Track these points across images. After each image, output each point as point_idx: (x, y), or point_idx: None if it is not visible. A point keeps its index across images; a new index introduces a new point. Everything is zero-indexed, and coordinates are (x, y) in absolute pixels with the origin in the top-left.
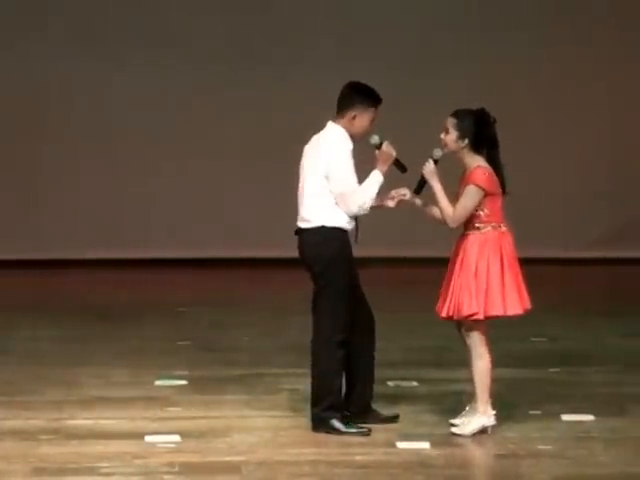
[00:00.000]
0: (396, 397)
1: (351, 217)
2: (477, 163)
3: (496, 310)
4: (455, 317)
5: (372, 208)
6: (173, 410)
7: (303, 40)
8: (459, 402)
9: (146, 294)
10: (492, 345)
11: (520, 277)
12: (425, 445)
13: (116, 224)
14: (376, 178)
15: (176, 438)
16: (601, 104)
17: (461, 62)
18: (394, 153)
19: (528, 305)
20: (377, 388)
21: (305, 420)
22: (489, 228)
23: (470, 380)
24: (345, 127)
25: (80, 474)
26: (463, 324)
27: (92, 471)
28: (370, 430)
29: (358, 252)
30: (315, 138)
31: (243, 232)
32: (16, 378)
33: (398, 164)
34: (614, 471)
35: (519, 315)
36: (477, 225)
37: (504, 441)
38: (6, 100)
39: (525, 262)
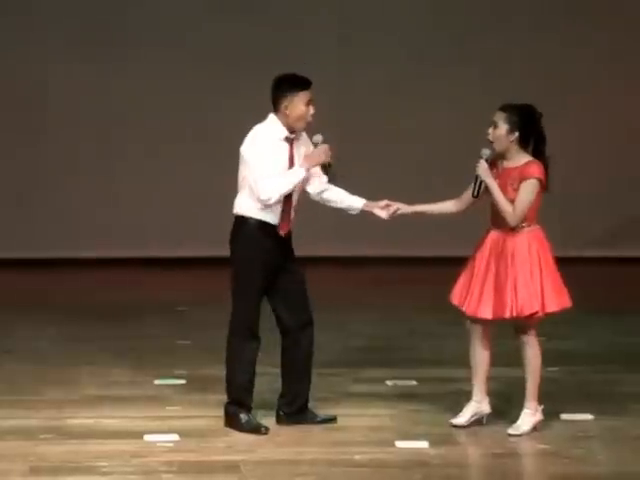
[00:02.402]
0: (394, 396)
1: (269, 208)
2: (528, 158)
3: (553, 306)
4: (517, 316)
5: (362, 212)
6: (172, 409)
7: (303, 41)
8: (458, 401)
9: (146, 293)
10: (495, 344)
11: (559, 273)
12: (424, 444)
13: (116, 223)
14: (294, 172)
15: (175, 437)
16: (601, 104)
17: (461, 62)
18: (324, 159)
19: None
20: (375, 387)
21: None
22: (533, 226)
23: (468, 379)
24: (283, 120)
25: (79, 473)
26: (518, 324)
27: (91, 470)
28: (267, 431)
29: (355, 251)
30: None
31: None
32: (15, 377)
33: (325, 170)
34: (612, 470)
35: (567, 308)
36: (522, 224)
37: (502, 440)
38: (5, 100)
39: None
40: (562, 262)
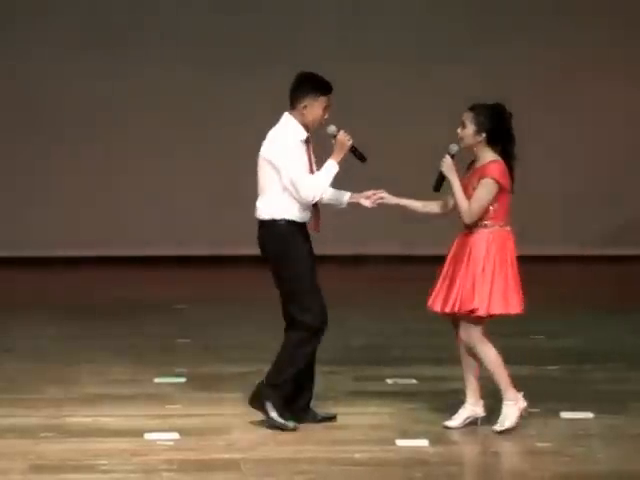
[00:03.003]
0: (395, 394)
1: (304, 207)
2: (492, 157)
3: (499, 309)
4: (457, 311)
5: (348, 204)
6: (172, 407)
7: (303, 39)
8: (458, 399)
9: (145, 292)
10: (492, 342)
11: (519, 278)
12: (424, 442)
13: (115, 222)
14: (330, 167)
15: (175, 435)
16: (602, 104)
17: (461, 62)
18: (349, 142)
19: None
20: (376, 385)
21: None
22: (496, 227)
23: (462, 378)
24: (298, 118)
25: (79, 471)
26: (462, 320)
27: (91, 468)
28: (295, 428)
29: (354, 250)
30: (271, 130)
31: (242, 229)
32: (16, 376)
33: (356, 153)
34: (613, 469)
35: (518, 314)
36: (484, 222)
37: (502, 438)
38: (2, 99)
39: (526, 260)
40: (564, 261)
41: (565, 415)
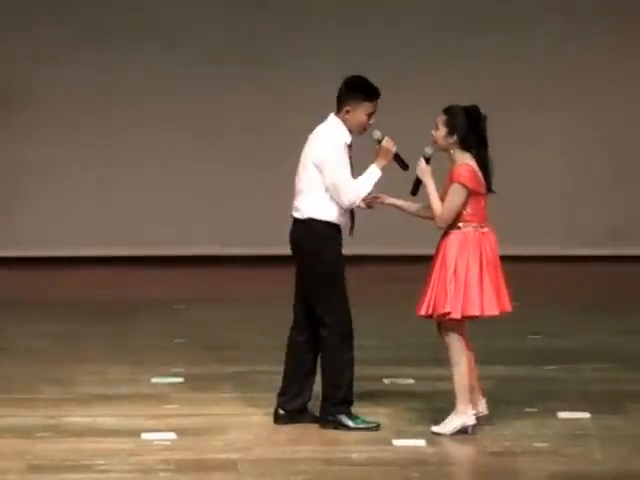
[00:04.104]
0: (392, 394)
1: (344, 210)
2: (462, 161)
3: (473, 310)
4: (432, 314)
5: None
6: (170, 407)
7: (303, 39)
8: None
9: (143, 291)
10: (488, 342)
11: (501, 278)
12: (421, 442)
13: (112, 221)
14: (372, 172)
15: (172, 436)
16: (600, 102)
17: (460, 61)
18: (394, 149)
19: (507, 307)
20: (373, 385)
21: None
22: (470, 228)
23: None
24: (343, 121)
25: (76, 471)
26: (442, 323)
27: (88, 468)
28: (379, 425)
29: (354, 249)
30: (316, 129)
31: (240, 229)
32: (12, 375)
33: (399, 160)
34: (610, 469)
35: (495, 316)
36: (458, 224)
37: (500, 438)
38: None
39: (522, 259)
40: (560, 261)
41: (562, 415)
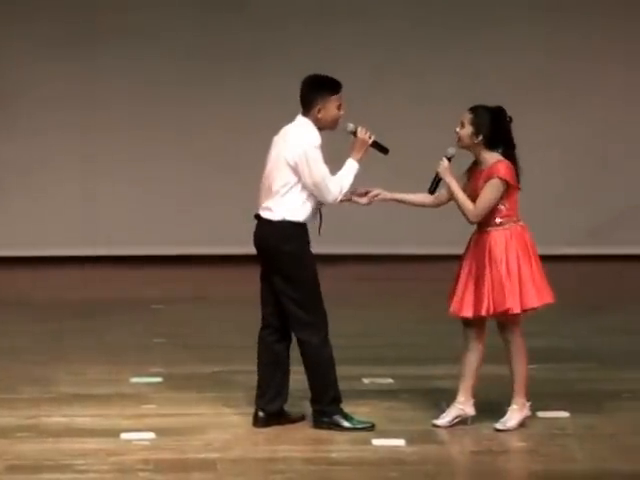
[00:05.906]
0: (371, 394)
1: (315, 211)
2: (497, 158)
3: (532, 302)
4: (492, 314)
5: (341, 202)
6: (149, 407)
7: (286, 38)
8: (435, 399)
9: (121, 291)
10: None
11: (542, 269)
12: (400, 442)
13: (90, 221)
14: (351, 166)
15: (151, 435)
16: (590, 101)
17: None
18: (370, 138)
19: (552, 297)
20: (352, 385)
21: None
22: (511, 224)
23: (449, 376)
24: (314, 122)
25: (56, 471)
26: (499, 321)
27: (68, 468)
28: (374, 425)
29: (334, 249)
30: (284, 130)
31: (217, 229)
32: None
33: (377, 146)
34: (589, 467)
35: (549, 304)
36: (499, 221)
37: (479, 437)
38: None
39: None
40: (541, 260)
41: (541, 414)
